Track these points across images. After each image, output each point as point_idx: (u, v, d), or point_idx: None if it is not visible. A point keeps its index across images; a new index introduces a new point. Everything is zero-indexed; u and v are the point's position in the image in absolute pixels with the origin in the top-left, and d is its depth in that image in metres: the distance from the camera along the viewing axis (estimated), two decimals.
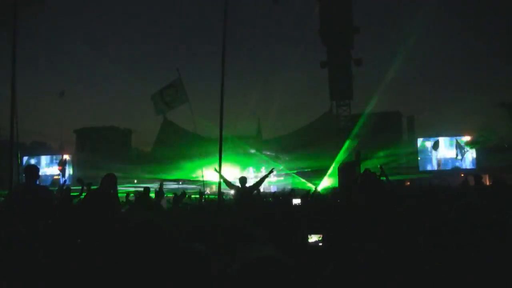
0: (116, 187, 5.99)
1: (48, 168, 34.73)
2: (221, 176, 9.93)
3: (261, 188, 10.43)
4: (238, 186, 9.51)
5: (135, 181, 30.38)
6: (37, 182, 6.24)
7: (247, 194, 9.37)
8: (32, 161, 33.58)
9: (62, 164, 17.89)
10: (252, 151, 33.17)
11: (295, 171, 30.85)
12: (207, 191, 17.58)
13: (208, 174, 16.81)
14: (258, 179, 9.97)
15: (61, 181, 16.39)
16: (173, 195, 13.58)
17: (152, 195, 11.40)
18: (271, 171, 10.28)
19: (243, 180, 9.57)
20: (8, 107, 5.74)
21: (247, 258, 1.30)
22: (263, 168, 30.87)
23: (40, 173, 6.41)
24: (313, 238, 4.85)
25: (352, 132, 30.47)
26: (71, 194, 10.74)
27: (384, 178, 9.09)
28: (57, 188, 14.49)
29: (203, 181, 15.63)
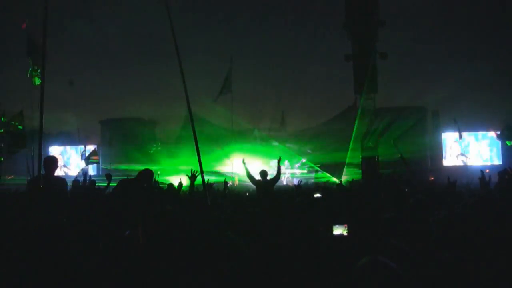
0: (151, 182, 6.18)
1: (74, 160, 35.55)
2: (246, 169, 10.08)
3: (284, 181, 10.63)
4: (260, 180, 9.67)
5: (158, 172, 30.62)
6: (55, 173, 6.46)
7: (268, 187, 9.53)
8: (57, 151, 34.35)
9: (88, 155, 18.17)
10: (275, 143, 33.05)
11: (318, 164, 30.67)
12: (229, 183, 17.71)
13: (235, 165, 17.03)
14: (276, 171, 10.18)
15: (85, 170, 16.72)
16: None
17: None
18: (278, 160, 10.47)
19: (263, 173, 9.78)
20: (32, 98, 5.89)
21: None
22: (286, 161, 30.74)
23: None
24: (338, 230, 4.66)
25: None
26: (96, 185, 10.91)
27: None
28: (80, 175, 14.74)
29: (232, 172, 15.91)
